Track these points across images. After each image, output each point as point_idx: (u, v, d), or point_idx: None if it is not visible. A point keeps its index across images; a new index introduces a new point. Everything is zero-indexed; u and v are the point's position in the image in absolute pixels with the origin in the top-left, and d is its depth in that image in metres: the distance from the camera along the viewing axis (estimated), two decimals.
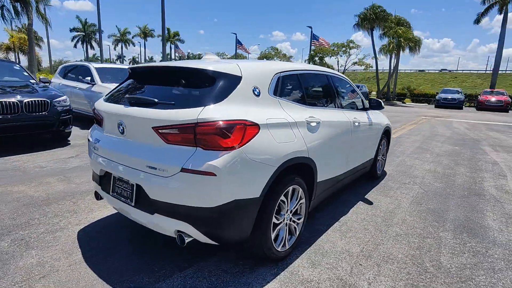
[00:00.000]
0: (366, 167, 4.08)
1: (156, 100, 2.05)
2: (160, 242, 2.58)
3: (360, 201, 3.71)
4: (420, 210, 3.52)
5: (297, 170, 2.40)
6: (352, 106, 3.80)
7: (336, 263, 2.39)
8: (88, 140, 2.60)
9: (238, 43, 39.49)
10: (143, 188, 2.02)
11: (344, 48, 32.33)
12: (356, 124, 3.42)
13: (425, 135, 9.27)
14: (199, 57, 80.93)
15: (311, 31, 34.17)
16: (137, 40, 65.66)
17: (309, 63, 34.66)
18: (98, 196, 2.61)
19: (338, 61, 33.94)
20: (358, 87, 29.72)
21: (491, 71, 34.81)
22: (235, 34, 39.27)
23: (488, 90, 24.06)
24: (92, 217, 3.01)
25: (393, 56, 27.19)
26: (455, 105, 22.85)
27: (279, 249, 2.31)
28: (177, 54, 52.42)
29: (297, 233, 2.53)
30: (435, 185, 4.47)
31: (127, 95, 2.33)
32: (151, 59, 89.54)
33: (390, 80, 28.80)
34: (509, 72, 53.29)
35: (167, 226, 2.00)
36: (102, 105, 2.45)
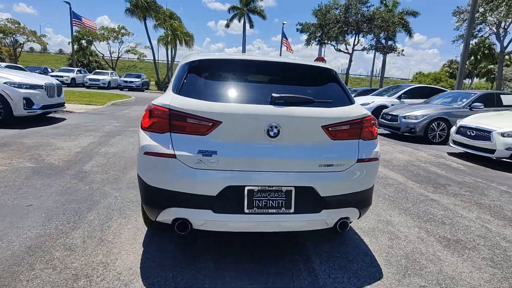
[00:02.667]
0: None
1: (313, 99, 2.01)
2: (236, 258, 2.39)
3: None
4: None
5: None
6: None
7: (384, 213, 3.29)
8: (171, 155, 1.88)
9: None
10: (313, 189, 1.98)
11: (115, 34, 30.09)
12: None
13: None
14: None
15: (70, 8, 28.99)
16: None
17: (73, 46, 29.42)
18: (186, 228, 1.99)
19: (109, 47, 31.23)
20: (139, 76, 29.17)
21: None
22: None
23: None
24: (126, 268, 2.08)
25: (169, 47, 28.74)
26: None
27: None
28: None
29: None
30: None
31: (271, 94, 1.96)
32: None
33: (170, 71, 30.38)
34: None
35: (332, 218, 2.10)
36: (213, 106, 1.89)
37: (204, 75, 2.13)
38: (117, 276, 2.01)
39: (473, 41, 27.69)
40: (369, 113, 2.19)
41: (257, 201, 1.95)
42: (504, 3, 13.83)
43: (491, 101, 8.42)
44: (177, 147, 1.90)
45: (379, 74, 35.76)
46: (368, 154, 2.11)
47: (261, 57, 2.30)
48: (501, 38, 18.16)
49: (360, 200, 2.17)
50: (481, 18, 16.80)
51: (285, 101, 1.98)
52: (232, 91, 2.07)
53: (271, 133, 1.93)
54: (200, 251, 2.36)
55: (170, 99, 1.98)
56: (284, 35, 33.37)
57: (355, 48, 19.66)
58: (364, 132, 2.13)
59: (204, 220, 1.97)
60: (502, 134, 5.60)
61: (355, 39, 19.01)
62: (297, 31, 21.29)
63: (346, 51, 20.65)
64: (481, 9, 16.02)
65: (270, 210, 1.97)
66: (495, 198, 4.02)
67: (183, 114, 1.91)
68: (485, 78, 39.06)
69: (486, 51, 32.07)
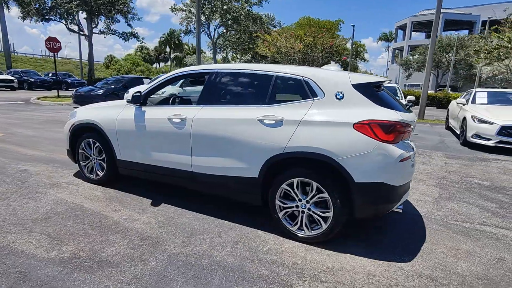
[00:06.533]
0: None
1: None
2: None
3: None
4: None
5: None
6: None
7: None
8: (409, 157, 2.44)
9: None
10: None
11: None
12: None
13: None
14: None
15: None
16: None
17: None
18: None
19: None
20: None
21: None
22: None
23: None
24: None
25: None
26: None
27: None
28: None
29: None
30: None
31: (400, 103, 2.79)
32: None
33: None
34: None
35: None
36: (410, 116, 2.58)
37: (375, 92, 2.63)
38: None
39: (166, 32, 33.00)
40: None
41: None
42: (218, 12, 18.52)
43: None
44: (407, 151, 2.50)
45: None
46: None
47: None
48: (211, 36, 23.98)
49: None
50: (194, 18, 21.06)
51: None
52: (392, 104, 2.75)
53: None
54: None
55: (391, 114, 2.42)
56: None
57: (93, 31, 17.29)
58: None
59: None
60: None
61: (92, 21, 16.58)
62: None
63: (83, 33, 17.58)
64: (193, 10, 20.07)
65: None
66: None
67: (407, 124, 2.50)
68: (174, 63, 47.87)
69: (176, 42, 39.29)
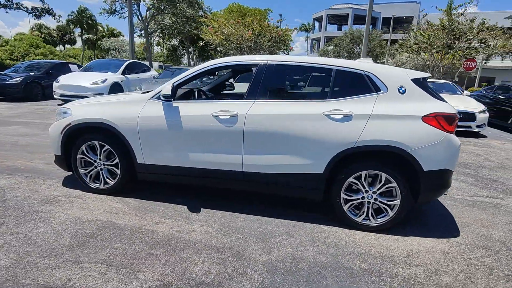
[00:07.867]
0: None
1: None
2: None
3: None
4: None
5: None
6: None
7: None
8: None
9: None
10: None
11: None
12: None
13: None
14: None
15: None
16: None
17: None
18: None
19: None
20: None
21: None
22: None
23: None
24: None
25: None
26: None
27: None
28: None
29: None
30: None
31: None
32: None
33: None
34: None
35: None
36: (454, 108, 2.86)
37: (428, 86, 2.83)
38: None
39: (75, 10, 28.90)
40: None
41: None
42: None
43: None
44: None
45: None
46: None
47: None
48: (142, 17, 21.46)
49: None
50: None
51: None
52: (440, 96, 2.99)
53: None
54: None
55: (448, 106, 2.66)
56: None
57: None
58: None
59: None
60: None
61: None
62: None
63: None
64: None
65: None
66: None
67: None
68: (87, 46, 41.90)
69: (89, 22, 34.35)
